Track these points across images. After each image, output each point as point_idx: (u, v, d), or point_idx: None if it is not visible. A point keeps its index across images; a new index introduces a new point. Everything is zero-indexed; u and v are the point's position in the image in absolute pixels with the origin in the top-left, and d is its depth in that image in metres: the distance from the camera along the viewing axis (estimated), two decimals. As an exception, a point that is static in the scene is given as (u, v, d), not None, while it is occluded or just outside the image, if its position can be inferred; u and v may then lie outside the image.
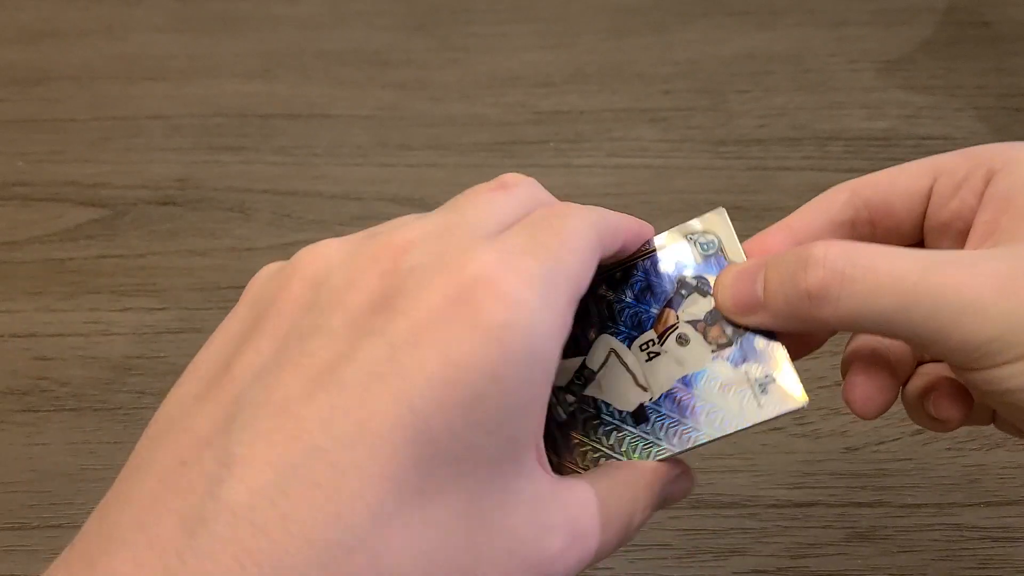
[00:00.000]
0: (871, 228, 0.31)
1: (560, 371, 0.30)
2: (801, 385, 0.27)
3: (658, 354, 0.30)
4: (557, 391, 0.30)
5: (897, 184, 0.30)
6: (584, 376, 0.30)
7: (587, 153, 0.59)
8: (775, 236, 0.30)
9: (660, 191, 0.56)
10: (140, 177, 0.58)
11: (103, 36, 0.65)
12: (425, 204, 0.56)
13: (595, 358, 0.30)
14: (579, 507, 0.25)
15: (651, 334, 0.30)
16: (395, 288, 0.22)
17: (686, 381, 0.29)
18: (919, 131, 0.59)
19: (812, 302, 0.26)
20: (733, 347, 0.29)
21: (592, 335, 0.30)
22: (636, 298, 0.30)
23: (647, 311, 0.30)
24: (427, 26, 0.65)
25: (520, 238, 0.24)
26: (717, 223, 0.30)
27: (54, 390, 0.50)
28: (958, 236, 0.30)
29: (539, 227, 0.24)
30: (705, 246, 0.30)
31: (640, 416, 0.29)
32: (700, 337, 0.29)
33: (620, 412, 0.29)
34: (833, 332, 0.31)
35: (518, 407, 0.22)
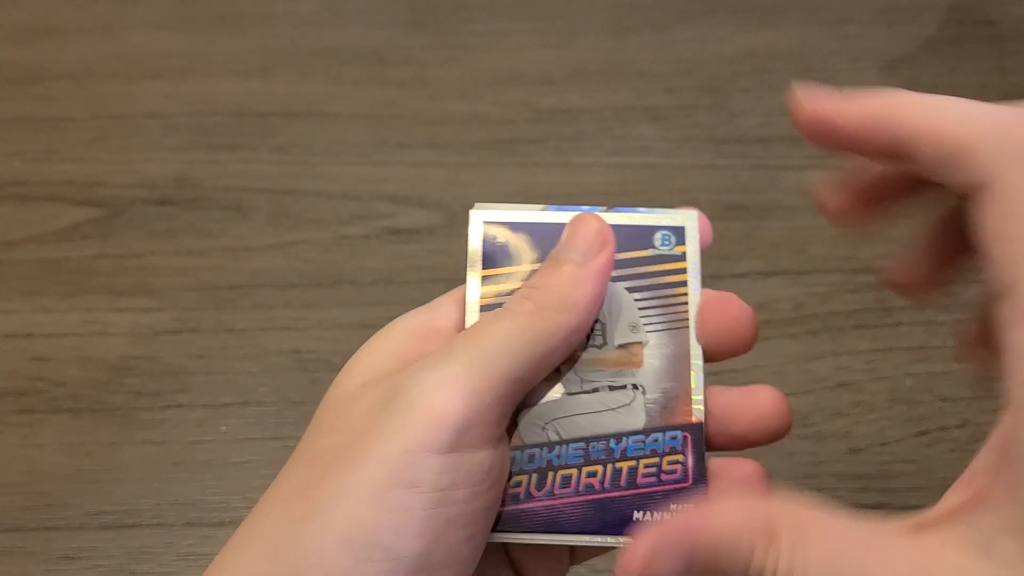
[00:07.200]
0: None
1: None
2: None
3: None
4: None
5: None
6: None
7: (588, 152, 0.58)
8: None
9: (661, 190, 0.56)
10: (137, 176, 0.58)
11: (100, 34, 0.65)
12: (424, 203, 0.56)
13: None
14: None
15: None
16: None
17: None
18: (922, 130, 0.59)
19: None
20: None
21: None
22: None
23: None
24: (426, 24, 0.65)
25: None
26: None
27: (50, 391, 0.49)
28: None
29: None
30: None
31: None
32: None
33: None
34: None
35: None
